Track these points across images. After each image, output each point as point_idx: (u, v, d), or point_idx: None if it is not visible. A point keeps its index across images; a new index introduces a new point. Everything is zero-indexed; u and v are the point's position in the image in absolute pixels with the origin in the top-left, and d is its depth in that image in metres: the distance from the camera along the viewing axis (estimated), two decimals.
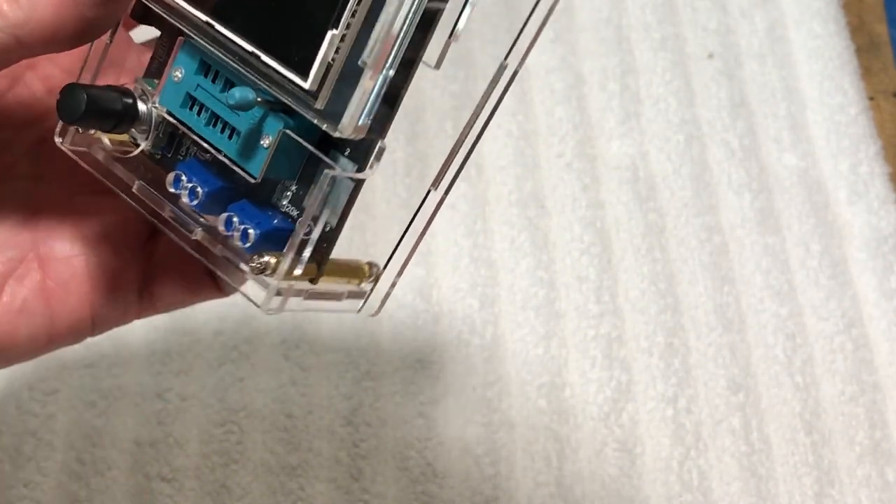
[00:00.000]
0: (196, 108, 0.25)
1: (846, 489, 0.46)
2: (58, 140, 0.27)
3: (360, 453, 0.45)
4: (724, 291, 0.50)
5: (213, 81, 0.24)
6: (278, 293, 0.24)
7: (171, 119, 0.25)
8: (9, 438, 0.44)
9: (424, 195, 0.26)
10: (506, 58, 0.26)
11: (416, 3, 0.22)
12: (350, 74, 0.22)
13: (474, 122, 0.26)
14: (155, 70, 0.27)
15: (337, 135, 0.23)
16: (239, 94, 0.23)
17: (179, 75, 0.25)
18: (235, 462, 0.44)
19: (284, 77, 0.23)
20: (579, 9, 0.56)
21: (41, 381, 0.45)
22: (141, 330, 0.47)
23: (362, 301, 0.27)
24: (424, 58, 0.24)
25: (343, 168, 0.24)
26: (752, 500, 0.46)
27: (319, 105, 0.23)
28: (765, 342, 0.49)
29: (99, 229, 0.28)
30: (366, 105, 0.23)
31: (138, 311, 0.30)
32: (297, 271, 0.24)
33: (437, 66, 0.25)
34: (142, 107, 0.26)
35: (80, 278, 0.28)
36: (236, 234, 0.24)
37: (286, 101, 0.23)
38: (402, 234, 0.27)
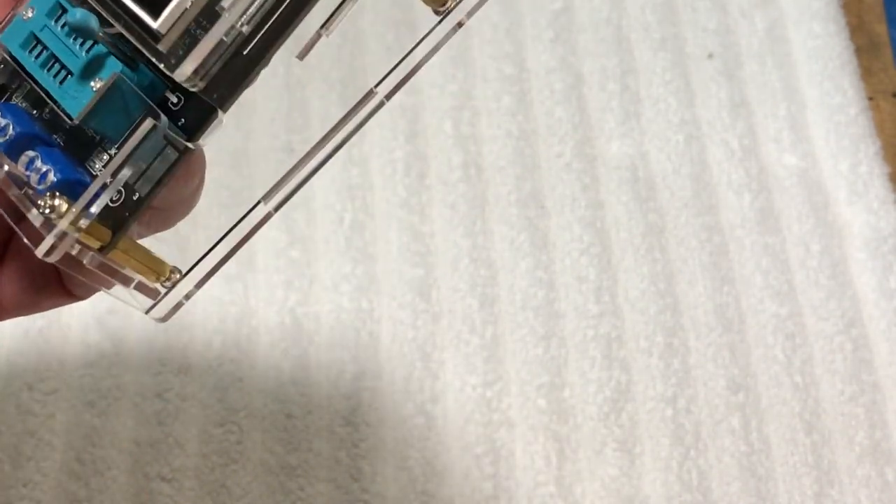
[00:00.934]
0: (36, 51, 0.23)
1: (846, 489, 0.46)
2: None
3: (360, 453, 0.45)
4: (724, 291, 0.50)
5: (61, 25, 0.23)
6: (59, 239, 0.22)
7: (6, 57, 0.24)
8: (8, 438, 0.44)
9: (252, 206, 0.25)
10: (376, 85, 0.24)
11: None
12: (206, 18, 0.21)
13: (324, 144, 0.24)
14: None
15: (174, 75, 0.21)
16: (80, 14, 0.22)
17: (30, 14, 0.23)
18: (235, 462, 0.44)
19: (136, 16, 0.21)
20: (579, 9, 0.56)
21: (41, 381, 0.45)
22: (141, 329, 0.47)
23: (153, 301, 0.25)
24: (292, 47, 0.23)
25: (172, 134, 0.23)
26: (751, 500, 0.46)
27: (163, 47, 0.21)
28: (764, 342, 0.49)
29: None
30: (211, 52, 0.21)
31: None
32: (83, 223, 0.22)
33: (301, 57, 0.23)
34: None
35: None
36: (34, 176, 0.22)
37: (132, 39, 0.22)
38: (216, 241, 0.25)
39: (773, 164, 0.54)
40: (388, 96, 0.24)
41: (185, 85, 0.22)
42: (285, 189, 0.24)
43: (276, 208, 0.25)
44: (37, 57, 0.23)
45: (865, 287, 0.51)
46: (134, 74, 0.22)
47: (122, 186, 0.23)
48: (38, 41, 0.23)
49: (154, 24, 0.21)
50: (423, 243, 0.49)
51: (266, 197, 0.24)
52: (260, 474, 0.44)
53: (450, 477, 0.45)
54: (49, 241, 0.22)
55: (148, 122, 0.22)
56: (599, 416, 0.47)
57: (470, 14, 0.25)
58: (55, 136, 0.24)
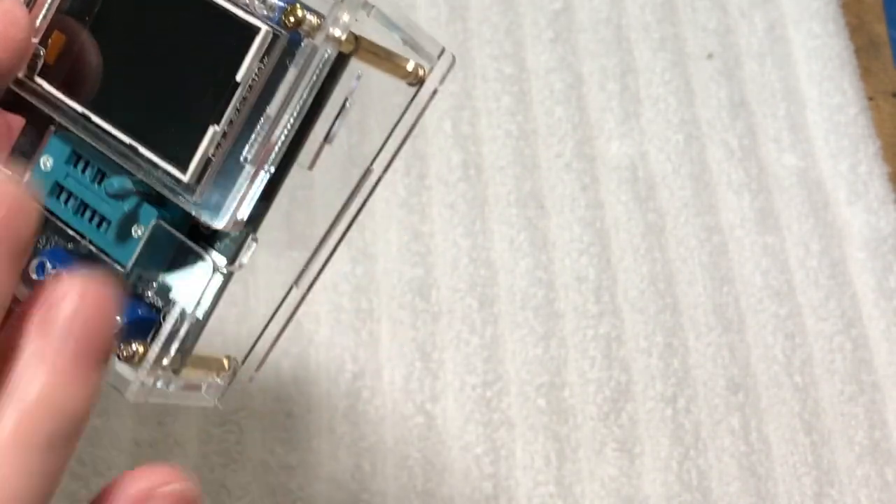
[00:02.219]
0: (64, 197, 0.24)
1: (845, 489, 0.46)
2: None
3: (360, 452, 0.45)
4: (724, 291, 0.50)
5: (83, 171, 0.24)
6: (142, 383, 0.24)
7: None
8: None
9: (286, 292, 0.27)
10: (371, 163, 0.26)
11: (300, 106, 0.22)
12: (229, 168, 0.22)
13: (336, 226, 0.27)
14: (23, 145, 0.26)
15: (216, 227, 0.23)
16: (118, 183, 0.23)
17: (48, 164, 0.24)
18: (235, 462, 0.44)
19: (163, 170, 0.23)
20: (579, 9, 0.56)
21: None
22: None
23: (219, 393, 0.27)
24: (298, 159, 0.24)
25: (215, 261, 0.24)
26: (751, 500, 0.46)
27: (196, 199, 0.23)
28: (764, 342, 0.49)
29: None
30: (246, 200, 0.23)
31: None
32: (165, 362, 0.24)
33: (310, 167, 0.25)
34: None
35: None
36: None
37: (164, 193, 0.23)
38: (262, 328, 0.27)
39: (772, 164, 0.54)
40: (385, 170, 0.27)
41: (228, 231, 0.23)
42: (306, 279, 0.27)
43: (308, 289, 0.27)
44: (66, 204, 0.24)
45: (865, 287, 0.51)
46: (164, 212, 0.24)
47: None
48: (64, 189, 0.24)
49: (183, 178, 0.23)
50: (422, 243, 0.49)
51: (295, 282, 0.27)
52: (260, 474, 0.44)
53: (449, 476, 0.45)
54: (137, 385, 0.24)
55: (217, 279, 0.24)
56: (599, 416, 0.47)
57: (443, 79, 0.26)
58: (100, 269, 0.25)
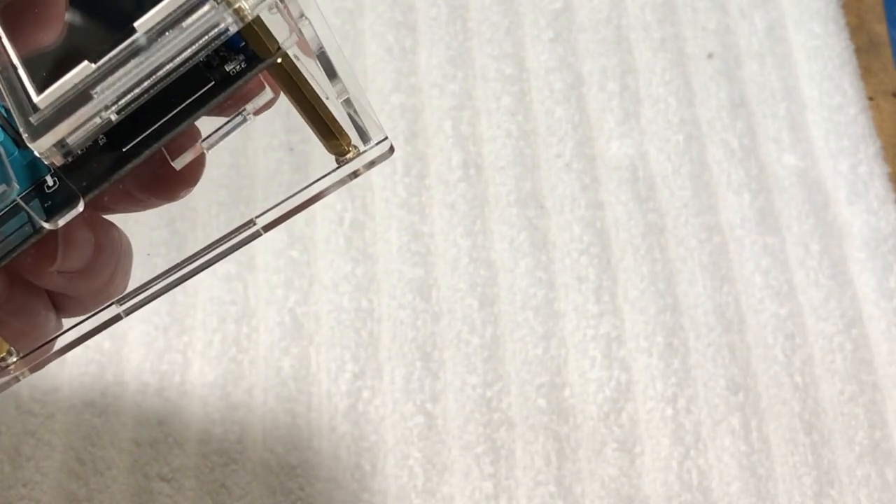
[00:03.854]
0: None
1: (846, 489, 0.46)
2: None
3: (360, 452, 0.45)
4: (724, 291, 0.50)
5: None
6: None
7: None
8: (8, 438, 0.44)
9: (106, 304, 0.25)
10: (258, 216, 0.25)
11: (175, 64, 0.21)
12: (79, 99, 0.21)
13: (193, 261, 0.25)
14: None
15: (31, 145, 0.21)
16: None
17: None
18: (235, 462, 0.44)
19: (24, 86, 0.22)
20: (579, 9, 0.56)
21: (41, 380, 0.45)
22: (140, 329, 0.47)
23: None
24: (168, 150, 0.23)
25: (32, 209, 0.23)
26: (751, 500, 0.46)
27: (34, 119, 0.22)
28: (764, 342, 0.49)
29: None
30: (74, 131, 0.21)
31: None
32: None
33: (178, 165, 0.24)
34: None
35: None
36: None
37: (14, 111, 0.22)
38: (58, 333, 0.26)
39: (772, 163, 0.54)
40: (267, 228, 0.25)
41: (42, 157, 0.22)
42: (141, 296, 0.25)
43: (127, 313, 0.25)
44: None
45: (865, 287, 0.51)
46: (16, 150, 0.23)
47: None
48: None
49: (36, 99, 0.21)
50: (422, 243, 0.49)
51: (121, 300, 0.25)
52: (260, 474, 0.44)
53: (450, 476, 0.45)
54: None
55: (3, 190, 0.22)
56: (599, 416, 0.47)
57: (368, 166, 0.24)
58: None
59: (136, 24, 0.21)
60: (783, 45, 0.57)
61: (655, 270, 0.50)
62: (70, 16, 0.23)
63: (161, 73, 0.21)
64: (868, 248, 0.52)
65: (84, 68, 0.21)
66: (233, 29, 0.21)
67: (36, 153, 0.22)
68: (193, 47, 0.21)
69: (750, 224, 0.52)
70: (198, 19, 0.21)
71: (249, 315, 0.47)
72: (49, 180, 0.23)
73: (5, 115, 0.23)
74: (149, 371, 0.46)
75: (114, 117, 0.21)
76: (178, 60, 0.21)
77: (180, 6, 0.21)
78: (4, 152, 0.23)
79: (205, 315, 0.47)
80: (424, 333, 0.47)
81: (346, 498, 0.44)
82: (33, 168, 0.23)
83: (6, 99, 0.22)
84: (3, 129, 0.23)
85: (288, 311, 0.47)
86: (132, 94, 0.21)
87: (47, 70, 0.22)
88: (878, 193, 0.53)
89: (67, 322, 0.26)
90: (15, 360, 0.25)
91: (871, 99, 0.56)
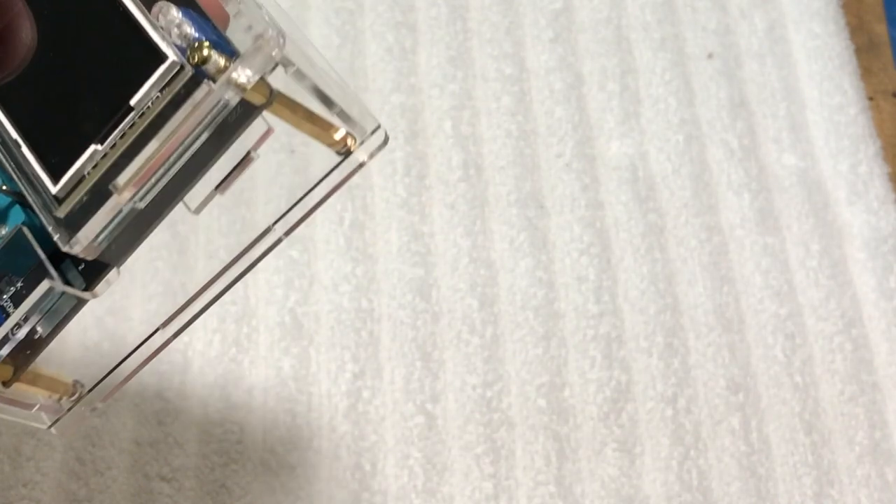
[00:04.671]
0: None
1: (846, 489, 0.46)
2: None
3: (360, 451, 0.45)
4: (724, 291, 0.50)
5: None
6: None
7: None
8: (9, 438, 0.44)
9: (152, 332, 0.26)
10: (275, 223, 0.25)
11: (186, 147, 0.21)
12: (101, 193, 0.21)
13: (221, 275, 0.25)
14: None
15: (64, 249, 0.22)
16: None
17: None
18: (235, 462, 0.44)
19: (37, 175, 0.22)
20: (579, 9, 0.56)
21: None
22: (140, 330, 0.47)
23: (56, 417, 0.26)
24: (187, 199, 0.23)
25: (71, 281, 0.23)
26: (751, 500, 0.46)
27: (60, 213, 0.21)
28: (764, 342, 0.49)
29: None
30: (104, 228, 0.21)
31: None
32: None
33: (196, 212, 0.24)
34: None
35: None
36: None
37: (30, 199, 0.22)
38: (117, 363, 0.26)
39: (772, 164, 0.54)
40: (287, 233, 0.25)
41: (79, 255, 0.22)
42: (176, 324, 0.26)
43: (174, 336, 0.26)
44: None
45: (865, 287, 0.51)
46: (37, 220, 0.23)
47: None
48: None
49: (52, 189, 0.21)
50: (422, 243, 0.49)
51: (163, 325, 0.26)
52: (260, 474, 0.44)
53: (450, 476, 0.45)
54: None
55: (43, 285, 0.23)
56: (599, 416, 0.47)
57: (372, 154, 0.25)
58: None
59: (132, 102, 0.21)
60: (783, 45, 0.57)
61: (655, 270, 0.50)
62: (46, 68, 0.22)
63: (176, 155, 0.21)
64: (868, 248, 0.52)
65: (93, 153, 0.21)
66: (235, 101, 0.21)
67: (72, 252, 0.22)
68: (202, 124, 0.21)
69: (750, 224, 0.52)
70: (200, 100, 0.21)
71: (249, 315, 0.47)
72: None
73: (14, 187, 0.23)
74: (149, 371, 0.46)
75: (140, 205, 0.22)
76: (190, 140, 0.21)
77: (170, 80, 0.21)
78: (33, 231, 0.23)
79: (205, 315, 0.47)
80: (424, 333, 0.47)
81: (346, 498, 0.44)
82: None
83: (14, 176, 0.22)
84: (19, 204, 0.23)
85: (288, 311, 0.47)
86: (153, 180, 0.21)
87: (42, 143, 0.22)
88: (878, 193, 0.53)
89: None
90: (83, 392, 0.26)
91: (871, 99, 0.56)
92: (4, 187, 0.23)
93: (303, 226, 0.51)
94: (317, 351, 0.47)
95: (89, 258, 0.22)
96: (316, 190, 0.25)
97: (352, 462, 0.45)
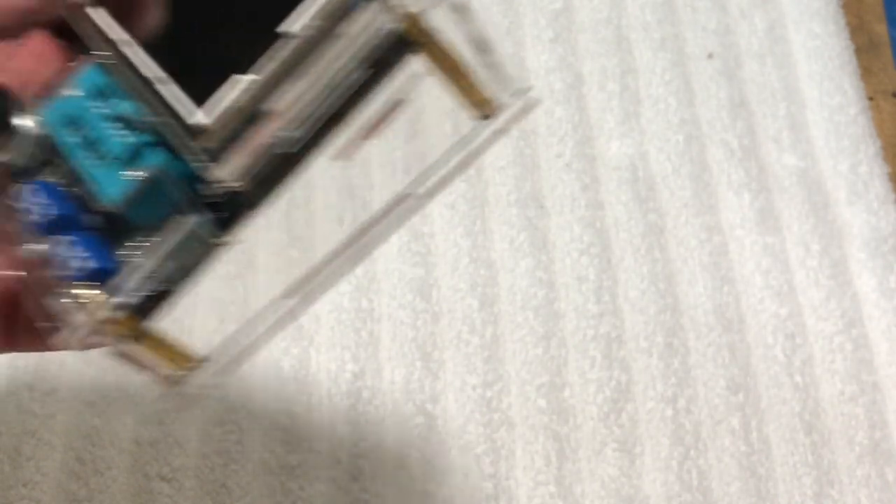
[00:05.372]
0: (76, 131, 0.23)
1: (846, 489, 0.46)
2: None
3: (360, 452, 0.45)
4: (724, 291, 0.50)
5: (104, 106, 0.23)
6: (86, 331, 0.22)
7: (46, 134, 0.23)
8: (8, 438, 0.44)
9: (288, 310, 0.25)
10: (409, 189, 0.24)
11: (342, 76, 0.21)
12: (254, 120, 0.21)
13: (355, 242, 0.25)
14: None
15: (219, 175, 0.21)
16: (123, 105, 0.22)
17: (72, 94, 0.23)
18: (235, 462, 0.44)
19: (187, 108, 0.21)
20: (579, 9, 0.56)
21: (41, 380, 0.45)
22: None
23: (168, 385, 0.25)
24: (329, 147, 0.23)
25: (205, 227, 0.23)
26: (751, 500, 0.46)
27: (211, 143, 0.21)
28: (764, 342, 0.49)
29: None
30: (258, 154, 0.21)
31: None
32: (116, 314, 0.22)
33: (338, 158, 0.23)
34: (17, 118, 0.24)
35: None
36: (71, 263, 0.22)
37: (177, 132, 0.21)
38: (236, 333, 0.25)
39: (772, 164, 0.53)
40: (427, 196, 0.25)
41: (223, 184, 0.21)
42: (303, 291, 0.25)
43: (304, 306, 0.25)
44: (77, 138, 0.23)
45: (865, 287, 0.51)
46: (176, 163, 0.22)
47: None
48: (79, 122, 0.23)
49: (196, 120, 0.21)
50: (423, 243, 0.49)
51: (287, 293, 0.25)
52: (260, 474, 0.44)
53: (450, 477, 0.45)
54: (77, 329, 0.22)
55: (186, 223, 0.22)
56: (599, 416, 0.47)
57: (515, 121, 0.24)
58: (87, 217, 0.23)
59: (283, 29, 0.21)
60: (783, 45, 0.57)
61: (655, 270, 0.50)
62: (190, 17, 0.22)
63: (330, 83, 0.21)
64: (868, 248, 0.52)
65: (249, 83, 0.21)
66: (391, 27, 0.21)
67: (217, 180, 0.21)
68: (359, 50, 0.21)
69: (750, 224, 0.52)
70: (361, 26, 0.20)
71: (246, 313, 0.47)
72: (210, 190, 0.23)
73: (155, 128, 0.22)
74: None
75: (297, 134, 0.21)
76: (345, 67, 0.21)
77: (329, 6, 0.21)
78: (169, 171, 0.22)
79: (205, 315, 0.47)
80: (424, 333, 0.47)
81: (345, 498, 0.44)
82: (192, 179, 0.22)
83: (155, 113, 0.22)
84: (157, 145, 0.22)
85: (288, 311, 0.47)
86: (311, 106, 0.21)
87: (200, 83, 0.21)
88: (879, 193, 0.53)
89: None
90: (206, 363, 0.25)
91: (871, 99, 0.56)
92: (143, 123, 0.22)
93: (302, 226, 0.51)
94: (317, 351, 0.47)
95: (241, 188, 0.22)
96: (457, 153, 0.24)
97: (351, 463, 0.45)
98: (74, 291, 0.22)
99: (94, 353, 0.47)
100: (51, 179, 0.24)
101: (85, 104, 0.23)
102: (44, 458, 0.44)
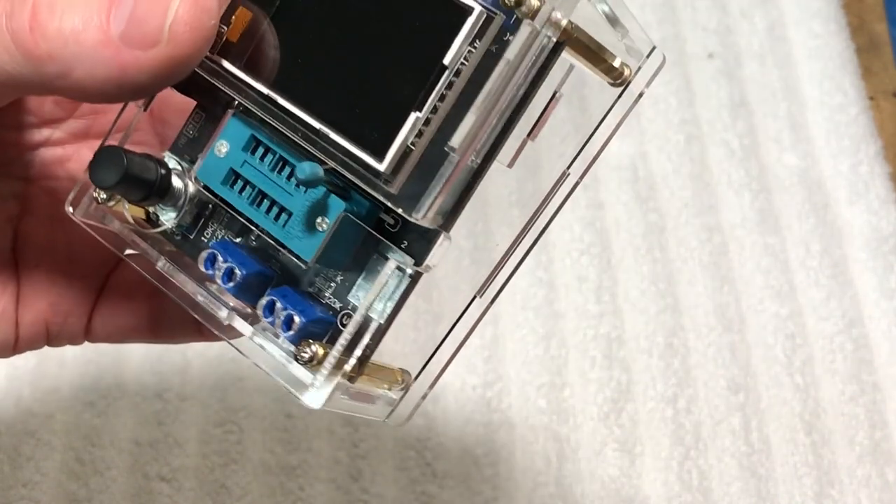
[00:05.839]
0: (239, 186, 0.23)
1: (846, 489, 0.46)
2: (69, 210, 0.25)
3: (360, 453, 0.45)
4: (724, 291, 0.50)
5: (262, 159, 0.23)
6: (327, 390, 0.23)
7: (208, 196, 0.23)
8: (8, 438, 0.44)
9: (468, 303, 0.25)
10: (568, 167, 0.24)
11: (512, 95, 0.21)
12: (429, 158, 0.21)
13: (528, 231, 0.25)
14: (183, 146, 0.25)
15: (413, 219, 0.21)
16: (309, 169, 0.21)
17: (224, 150, 0.23)
18: (235, 462, 0.44)
19: (357, 158, 0.21)
20: (579, 8, 0.56)
21: (41, 380, 0.45)
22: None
23: (391, 408, 0.25)
24: (499, 155, 0.23)
25: (402, 261, 0.23)
26: (751, 500, 0.46)
27: (394, 189, 0.21)
28: (765, 342, 0.49)
29: (67, 253, 0.27)
30: (446, 191, 0.21)
31: (84, 336, 0.28)
32: (346, 367, 0.23)
33: (511, 164, 0.23)
34: (175, 181, 0.24)
35: (40, 295, 0.27)
36: (277, 321, 0.23)
37: (358, 183, 0.21)
38: (440, 341, 0.25)
39: (773, 163, 0.53)
40: (583, 175, 0.25)
41: (425, 225, 0.22)
42: (496, 283, 0.25)
43: (492, 301, 0.25)
44: (242, 193, 0.23)
45: (866, 287, 0.51)
46: (351, 205, 0.22)
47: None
48: (240, 177, 0.23)
49: (379, 167, 0.21)
50: None
51: (480, 291, 0.25)
52: (260, 474, 0.44)
53: (450, 477, 0.45)
54: (328, 391, 0.22)
55: (390, 265, 0.22)
56: (599, 416, 0.47)
57: (648, 83, 0.24)
58: (272, 265, 0.24)
59: (445, 61, 0.21)
60: (783, 45, 0.57)
61: (655, 270, 0.50)
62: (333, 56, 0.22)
63: (505, 105, 0.21)
64: (868, 248, 0.52)
65: (415, 121, 0.21)
66: (554, 40, 0.21)
67: (421, 224, 0.21)
68: (530, 68, 0.21)
69: (750, 224, 0.52)
70: (525, 42, 0.20)
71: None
72: (388, 219, 0.23)
73: (327, 176, 0.22)
74: (149, 372, 0.46)
75: (475, 163, 0.21)
76: (516, 87, 0.21)
77: (476, 27, 0.20)
78: (352, 216, 0.22)
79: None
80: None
81: (345, 499, 0.44)
82: (369, 214, 0.22)
83: (328, 162, 0.21)
84: (332, 192, 0.22)
85: None
86: (487, 135, 0.21)
87: (350, 124, 0.21)
88: (879, 193, 0.53)
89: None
90: (411, 380, 0.26)
91: (871, 99, 0.56)
92: (325, 178, 0.22)
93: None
94: None
95: (433, 226, 0.22)
96: (601, 127, 0.24)
97: (351, 463, 0.45)
98: (314, 349, 0.22)
99: (95, 353, 0.47)
100: (216, 232, 0.24)
101: (239, 159, 0.23)
102: (43, 457, 0.44)
